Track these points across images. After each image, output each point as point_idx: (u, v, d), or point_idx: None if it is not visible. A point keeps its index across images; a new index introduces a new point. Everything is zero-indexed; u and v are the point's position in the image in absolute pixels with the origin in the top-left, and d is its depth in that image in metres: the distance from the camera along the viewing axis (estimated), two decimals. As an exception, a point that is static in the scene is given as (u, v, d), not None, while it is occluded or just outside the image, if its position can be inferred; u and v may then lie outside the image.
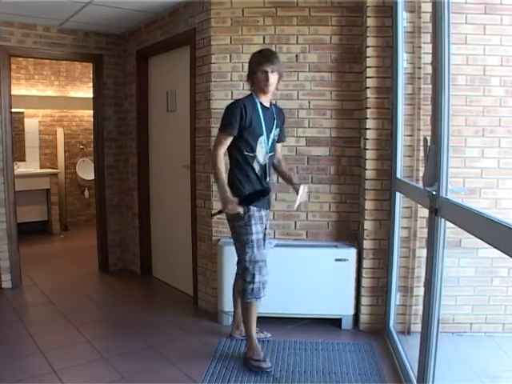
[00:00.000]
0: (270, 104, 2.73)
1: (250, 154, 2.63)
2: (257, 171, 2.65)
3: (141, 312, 3.53)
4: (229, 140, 2.61)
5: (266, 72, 2.57)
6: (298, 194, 2.68)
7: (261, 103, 2.65)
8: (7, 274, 3.99)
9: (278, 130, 2.75)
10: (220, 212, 2.69)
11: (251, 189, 2.63)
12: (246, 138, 2.61)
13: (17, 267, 4.06)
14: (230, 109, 2.61)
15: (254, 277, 2.62)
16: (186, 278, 3.81)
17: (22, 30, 3.95)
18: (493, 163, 2.83)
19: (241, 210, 2.57)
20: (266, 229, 2.78)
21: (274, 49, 3.09)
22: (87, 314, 3.49)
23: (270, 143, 2.67)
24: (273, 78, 2.59)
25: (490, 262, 2.84)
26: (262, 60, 2.59)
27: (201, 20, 3.33)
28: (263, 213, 2.70)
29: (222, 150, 2.61)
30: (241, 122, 2.56)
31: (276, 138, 2.75)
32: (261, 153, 2.64)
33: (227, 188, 2.58)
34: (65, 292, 3.95)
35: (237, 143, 2.63)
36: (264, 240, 2.74)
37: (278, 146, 2.88)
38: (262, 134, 2.63)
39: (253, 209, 2.63)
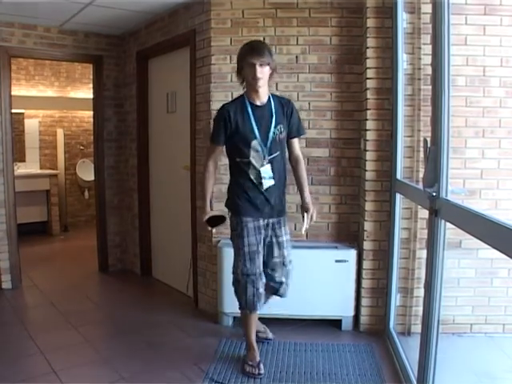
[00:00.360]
0: (269, 99, 2.51)
1: (244, 160, 2.48)
2: (253, 178, 2.49)
3: (141, 313, 3.53)
4: (216, 150, 2.57)
5: (254, 65, 2.34)
6: (303, 219, 2.55)
7: (251, 103, 2.47)
8: (7, 274, 3.99)
9: (281, 126, 2.50)
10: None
11: (247, 198, 2.50)
12: (236, 144, 2.48)
13: (17, 268, 4.06)
14: (215, 116, 2.54)
15: (246, 290, 2.52)
16: (186, 279, 3.80)
17: (23, 31, 3.96)
18: (493, 164, 2.83)
19: (209, 228, 2.55)
20: (271, 237, 2.59)
21: (274, 50, 3.07)
22: (87, 315, 3.49)
23: (269, 144, 2.47)
24: (261, 71, 2.36)
25: (490, 263, 2.84)
26: (249, 52, 2.38)
27: (201, 21, 3.33)
28: (261, 223, 2.54)
29: (211, 160, 2.57)
30: (225, 129, 2.46)
31: (282, 136, 2.51)
32: (256, 158, 2.47)
33: (207, 199, 2.57)
34: (65, 293, 3.95)
35: (228, 151, 2.56)
36: (272, 249, 2.60)
37: (295, 141, 2.63)
38: (254, 138, 2.45)
39: (245, 219, 2.49)
